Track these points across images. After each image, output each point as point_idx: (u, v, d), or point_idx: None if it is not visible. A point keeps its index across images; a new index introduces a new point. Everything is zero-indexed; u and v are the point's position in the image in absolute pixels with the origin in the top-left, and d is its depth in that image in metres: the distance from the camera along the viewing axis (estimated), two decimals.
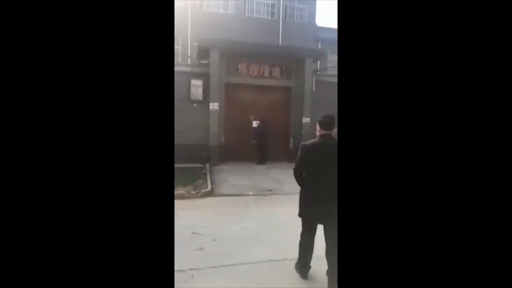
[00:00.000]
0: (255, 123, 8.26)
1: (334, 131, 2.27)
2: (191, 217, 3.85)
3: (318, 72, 9.11)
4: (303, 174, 2.31)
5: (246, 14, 11.20)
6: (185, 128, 7.50)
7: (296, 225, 2.43)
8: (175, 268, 1.28)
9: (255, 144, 8.05)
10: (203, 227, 3.43)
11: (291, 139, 8.47)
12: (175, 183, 4.87)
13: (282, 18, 11.29)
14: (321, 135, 2.28)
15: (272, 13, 11.32)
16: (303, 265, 2.41)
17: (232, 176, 6.31)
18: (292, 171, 2.38)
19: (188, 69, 7.91)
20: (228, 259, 2.68)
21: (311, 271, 2.41)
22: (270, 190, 5.43)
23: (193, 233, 3.27)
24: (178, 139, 6.39)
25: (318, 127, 2.31)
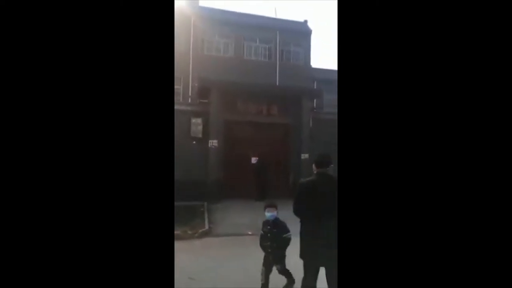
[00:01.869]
0: (254, 160, 8.27)
1: (330, 168, 2.30)
2: (187, 261, 3.68)
3: (315, 110, 9.37)
4: (302, 212, 2.27)
5: (245, 57, 11.83)
6: (184, 165, 7.50)
7: (297, 265, 2.32)
8: None
9: (254, 181, 7.97)
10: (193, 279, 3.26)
11: (291, 176, 8.42)
12: None
13: (279, 60, 11.91)
14: (317, 173, 2.30)
15: (270, 56, 11.97)
16: None
17: (230, 214, 6.15)
18: (291, 208, 2.34)
19: (189, 108, 8.16)
20: None
21: None
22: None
23: (189, 278, 3.10)
24: (177, 176, 6.33)
25: (314, 166, 2.34)
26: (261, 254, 2.70)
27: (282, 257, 2.70)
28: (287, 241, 2.68)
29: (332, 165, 2.33)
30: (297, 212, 2.29)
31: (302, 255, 2.25)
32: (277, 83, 10.90)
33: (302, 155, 8.23)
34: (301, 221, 2.29)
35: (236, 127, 8.34)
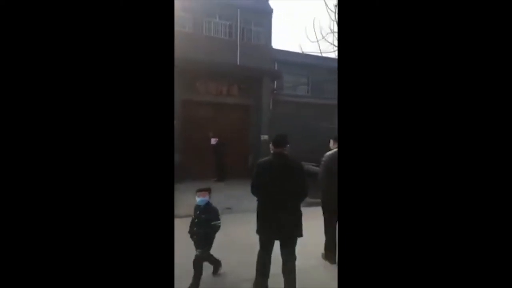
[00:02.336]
0: (213, 141, 8.19)
1: (287, 148, 2.38)
2: None
3: (275, 91, 9.46)
4: (259, 190, 2.34)
5: (204, 33, 11.33)
6: None
7: (254, 243, 2.41)
8: None
9: (214, 162, 7.93)
10: None
11: (250, 156, 8.53)
12: None
13: (240, 39, 11.63)
14: (274, 153, 2.37)
15: (230, 34, 11.62)
16: (260, 284, 2.38)
17: (191, 196, 6.09)
18: (250, 188, 2.39)
19: None
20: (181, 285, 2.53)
21: None
22: (228, 208, 5.34)
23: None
24: None
25: (271, 145, 2.40)
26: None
27: (208, 243, 2.57)
28: (215, 228, 2.58)
29: (288, 145, 2.42)
30: (254, 191, 2.37)
31: (258, 231, 2.35)
32: (238, 63, 10.70)
33: (262, 136, 8.34)
34: (258, 200, 2.36)
35: (195, 107, 8.10)
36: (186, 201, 5.75)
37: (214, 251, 2.70)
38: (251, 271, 2.45)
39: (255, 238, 2.41)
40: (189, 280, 2.47)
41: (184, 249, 2.53)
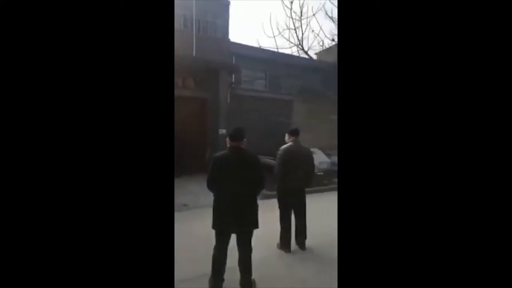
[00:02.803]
0: None
1: (244, 143, 2.39)
2: None
3: (233, 85, 9.40)
4: (215, 185, 2.32)
5: None
6: None
7: (210, 238, 2.39)
8: None
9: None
10: None
11: (207, 151, 8.40)
12: None
13: (196, 30, 11.28)
14: (230, 147, 2.35)
15: (185, 24, 11.19)
16: (216, 278, 2.38)
17: None
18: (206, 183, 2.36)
19: None
20: None
21: (224, 284, 2.40)
22: (185, 205, 5.21)
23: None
24: None
25: (228, 139, 2.38)
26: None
27: None
28: None
29: (245, 139, 2.42)
30: (209, 186, 2.33)
31: (214, 225, 2.33)
32: (194, 54, 10.39)
33: (220, 130, 8.26)
34: (214, 194, 2.34)
35: None
36: None
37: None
38: (207, 266, 2.43)
39: (212, 233, 2.38)
40: None
41: None
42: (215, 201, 2.35)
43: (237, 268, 2.37)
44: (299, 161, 3.29)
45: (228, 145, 2.39)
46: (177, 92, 7.99)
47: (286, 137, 3.47)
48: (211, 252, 2.39)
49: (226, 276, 2.39)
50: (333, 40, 10.19)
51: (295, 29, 9.81)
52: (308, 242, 3.43)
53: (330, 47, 10.95)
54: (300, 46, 9.89)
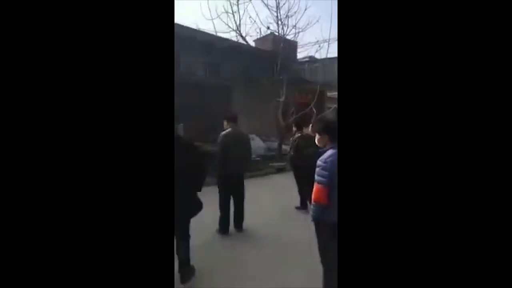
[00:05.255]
0: None
1: (179, 128, 2.39)
2: None
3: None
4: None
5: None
6: None
7: None
8: None
9: None
10: None
11: None
12: None
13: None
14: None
15: None
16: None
17: None
18: None
19: None
20: None
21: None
22: None
23: None
24: None
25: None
26: None
27: None
28: None
29: (181, 124, 2.41)
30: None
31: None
32: None
33: None
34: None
35: None
36: None
37: None
38: None
39: None
40: None
41: None
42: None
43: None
44: (237, 146, 3.38)
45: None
46: None
47: (225, 123, 3.51)
48: None
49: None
50: (268, 28, 10.39)
51: (233, 13, 9.65)
52: (244, 224, 3.60)
53: (266, 36, 11.16)
54: (238, 31, 9.85)
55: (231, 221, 3.51)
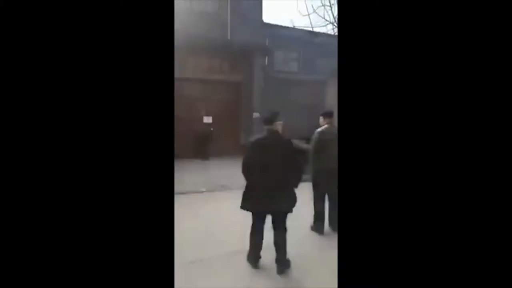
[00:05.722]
0: (206, 119, 8.15)
1: (277, 125, 2.43)
2: None
3: (266, 68, 9.32)
4: (250, 168, 2.39)
5: (191, 6, 10.85)
6: None
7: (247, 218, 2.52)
8: None
9: (198, 141, 7.93)
10: None
11: (242, 134, 8.56)
12: None
13: (230, 12, 11.20)
14: (266, 130, 2.42)
15: (219, 6, 11.15)
16: (252, 255, 2.53)
17: (185, 174, 6.16)
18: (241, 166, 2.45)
19: None
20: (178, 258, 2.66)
21: (261, 260, 2.55)
22: (222, 186, 5.46)
23: None
24: None
25: (263, 123, 2.46)
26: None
27: None
28: None
29: (280, 122, 2.47)
30: (244, 169, 2.41)
31: (242, 207, 2.43)
32: (229, 37, 10.41)
33: (254, 113, 8.33)
34: (247, 177, 2.43)
35: (186, 85, 7.96)
36: (183, 179, 5.85)
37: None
38: (245, 244, 2.59)
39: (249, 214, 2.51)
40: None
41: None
42: (249, 183, 2.44)
43: (273, 247, 2.49)
44: (334, 144, 3.27)
45: (266, 128, 2.44)
46: (212, 76, 8.18)
47: (321, 120, 3.43)
48: (248, 229, 2.53)
49: (263, 254, 2.53)
50: None
51: (330, 6, 9.25)
52: None
53: None
54: (334, 24, 9.40)
55: (326, 220, 3.43)
